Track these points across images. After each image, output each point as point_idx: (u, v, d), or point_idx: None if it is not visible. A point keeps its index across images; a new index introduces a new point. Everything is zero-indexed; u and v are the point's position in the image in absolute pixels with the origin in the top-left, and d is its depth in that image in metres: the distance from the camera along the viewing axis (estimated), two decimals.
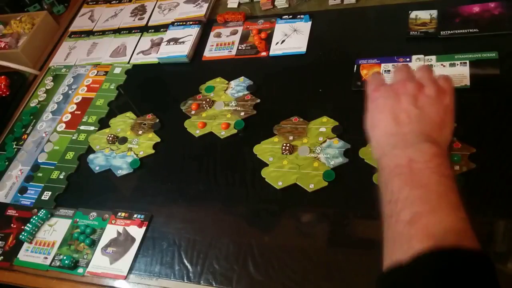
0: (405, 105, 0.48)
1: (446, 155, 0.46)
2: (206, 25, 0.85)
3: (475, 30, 0.64)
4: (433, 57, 0.64)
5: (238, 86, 0.73)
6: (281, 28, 0.78)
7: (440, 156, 0.44)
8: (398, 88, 0.49)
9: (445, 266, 0.36)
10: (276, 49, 0.76)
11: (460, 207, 0.40)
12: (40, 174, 0.74)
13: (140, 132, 0.74)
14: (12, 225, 0.70)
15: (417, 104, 0.47)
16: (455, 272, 0.35)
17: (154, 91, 0.81)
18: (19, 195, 0.73)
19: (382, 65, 0.66)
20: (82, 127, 0.79)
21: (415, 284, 0.36)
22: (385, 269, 0.40)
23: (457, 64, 0.62)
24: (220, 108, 0.72)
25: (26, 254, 0.66)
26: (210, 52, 0.80)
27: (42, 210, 0.69)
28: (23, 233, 0.67)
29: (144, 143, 0.72)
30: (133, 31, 0.91)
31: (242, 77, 0.74)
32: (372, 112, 0.50)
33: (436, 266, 0.36)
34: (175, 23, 0.87)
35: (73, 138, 0.78)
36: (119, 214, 0.65)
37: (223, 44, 0.81)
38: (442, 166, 0.43)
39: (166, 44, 0.84)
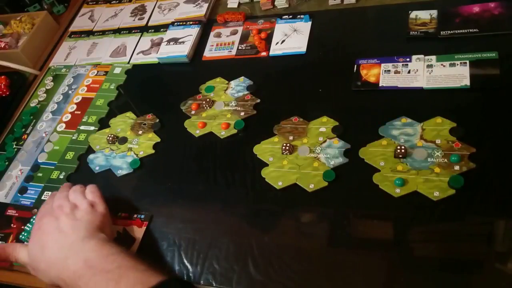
0: (65, 221, 0.56)
1: (111, 241, 0.55)
2: (206, 25, 0.86)
3: (475, 30, 0.64)
4: (433, 57, 0.64)
5: (238, 86, 0.73)
6: (281, 28, 0.78)
7: (106, 244, 0.53)
8: (56, 212, 0.58)
9: None
10: (276, 49, 0.76)
11: (137, 265, 0.50)
12: (40, 174, 0.75)
13: (140, 132, 0.74)
14: (12, 225, 0.70)
15: (75, 218, 0.57)
16: None
17: (154, 91, 0.81)
18: (19, 195, 0.73)
19: (382, 65, 0.66)
20: (82, 127, 0.79)
21: None
22: None
23: (457, 64, 0.62)
24: (220, 108, 0.72)
25: None
26: (210, 52, 0.80)
27: None
28: (23, 233, 0.67)
29: (144, 143, 0.72)
30: (133, 31, 0.91)
31: (242, 77, 0.74)
32: (37, 238, 0.57)
33: None
34: (175, 23, 0.87)
35: (73, 138, 0.78)
36: (119, 214, 0.65)
37: (223, 44, 0.81)
38: (110, 248, 0.52)
39: (166, 44, 0.84)
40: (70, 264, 0.51)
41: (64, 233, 0.55)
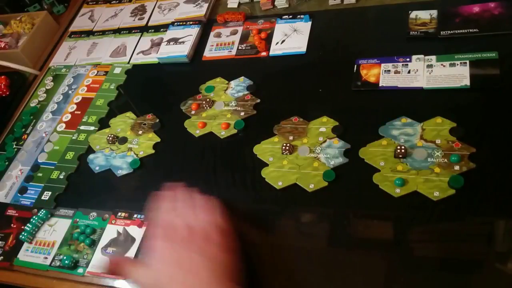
0: (187, 254, 0.47)
1: None
2: (206, 25, 0.86)
3: (475, 30, 0.64)
4: (433, 57, 0.64)
5: (238, 86, 0.73)
6: (281, 28, 0.78)
7: None
8: (169, 233, 0.49)
9: None
10: (276, 49, 0.76)
11: None
12: (40, 174, 0.75)
13: (140, 132, 0.74)
14: (12, 225, 0.70)
15: (196, 251, 0.47)
16: None
17: (154, 91, 0.81)
18: (19, 195, 0.73)
19: (382, 65, 0.66)
20: (82, 127, 0.79)
21: None
22: None
23: (457, 64, 0.62)
24: (220, 108, 0.72)
25: (26, 254, 0.66)
26: (210, 52, 0.80)
27: (42, 210, 0.69)
28: (23, 233, 0.67)
29: (144, 143, 0.72)
30: (133, 31, 0.91)
31: (242, 77, 0.74)
32: (158, 265, 0.48)
33: None
34: (175, 23, 0.87)
35: (73, 138, 0.78)
36: (119, 214, 0.65)
37: (223, 44, 0.81)
38: None
39: (166, 44, 0.84)
40: None
41: (193, 274, 0.46)
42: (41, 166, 0.76)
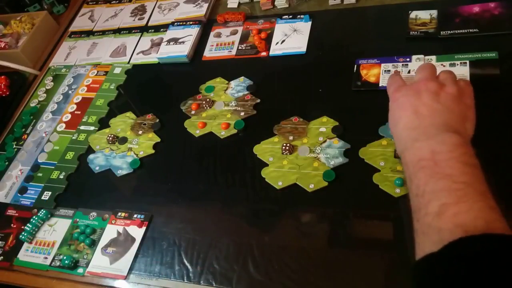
0: (425, 100, 0.49)
1: (470, 144, 0.45)
2: (206, 25, 0.86)
3: (475, 30, 0.64)
4: (433, 57, 0.64)
5: (238, 86, 0.73)
6: (281, 28, 0.78)
7: (463, 145, 0.44)
8: (420, 86, 0.50)
9: (474, 251, 0.36)
10: (276, 49, 0.76)
11: (487, 195, 0.40)
12: (40, 174, 0.74)
13: (140, 132, 0.74)
14: (12, 225, 0.70)
15: (438, 100, 0.48)
16: (484, 256, 0.35)
17: (154, 91, 0.81)
18: (19, 195, 0.73)
19: (382, 65, 0.66)
20: (82, 127, 0.79)
21: (446, 269, 0.36)
22: (417, 259, 0.40)
23: (457, 64, 0.62)
24: (220, 108, 0.72)
25: (26, 254, 0.66)
26: (210, 52, 0.80)
27: (42, 210, 0.69)
28: (23, 233, 0.67)
29: (144, 143, 0.72)
30: (133, 31, 0.91)
31: (242, 77, 0.74)
32: (393, 110, 0.52)
33: (465, 252, 0.36)
34: (175, 23, 0.87)
35: (73, 138, 0.78)
36: (119, 214, 0.65)
37: (223, 44, 0.81)
38: (466, 155, 0.43)
39: (166, 44, 0.84)
40: (417, 148, 0.45)
41: (420, 115, 0.48)
42: (41, 166, 0.76)
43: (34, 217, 0.68)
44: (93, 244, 0.63)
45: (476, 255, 0.35)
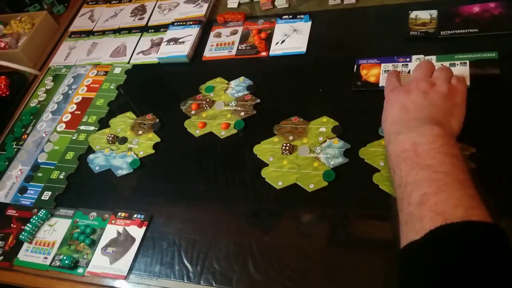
0: (413, 98, 0.51)
1: (452, 135, 0.47)
2: (206, 25, 0.86)
3: (475, 30, 0.64)
4: (433, 57, 0.64)
5: (238, 86, 0.73)
6: (281, 28, 0.78)
7: (444, 136, 0.45)
8: (411, 86, 0.53)
9: (453, 238, 0.37)
10: (276, 49, 0.76)
11: (467, 184, 0.42)
12: (40, 174, 0.74)
13: (140, 132, 0.74)
14: (12, 225, 0.70)
15: (426, 97, 0.50)
16: (463, 242, 0.37)
17: (154, 91, 0.81)
18: (19, 195, 0.73)
19: (382, 65, 0.66)
20: (82, 127, 0.79)
21: (428, 256, 0.38)
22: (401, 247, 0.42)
23: (457, 64, 0.62)
24: (220, 108, 0.72)
25: (26, 254, 0.66)
26: (210, 52, 0.80)
27: (42, 210, 0.69)
28: (23, 233, 0.67)
29: (144, 143, 0.72)
30: (133, 31, 0.91)
31: (242, 77, 0.74)
32: (384, 109, 0.54)
33: (445, 239, 0.38)
34: (175, 23, 0.87)
35: (73, 138, 0.78)
36: (119, 214, 0.65)
37: (223, 44, 0.81)
38: (446, 145, 0.44)
39: (166, 44, 0.84)
40: (399, 141, 0.47)
41: (406, 110, 0.50)
42: (41, 166, 0.76)
43: (34, 217, 0.68)
44: (93, 244, 0.63)
45: (455, 241, 0.37)
